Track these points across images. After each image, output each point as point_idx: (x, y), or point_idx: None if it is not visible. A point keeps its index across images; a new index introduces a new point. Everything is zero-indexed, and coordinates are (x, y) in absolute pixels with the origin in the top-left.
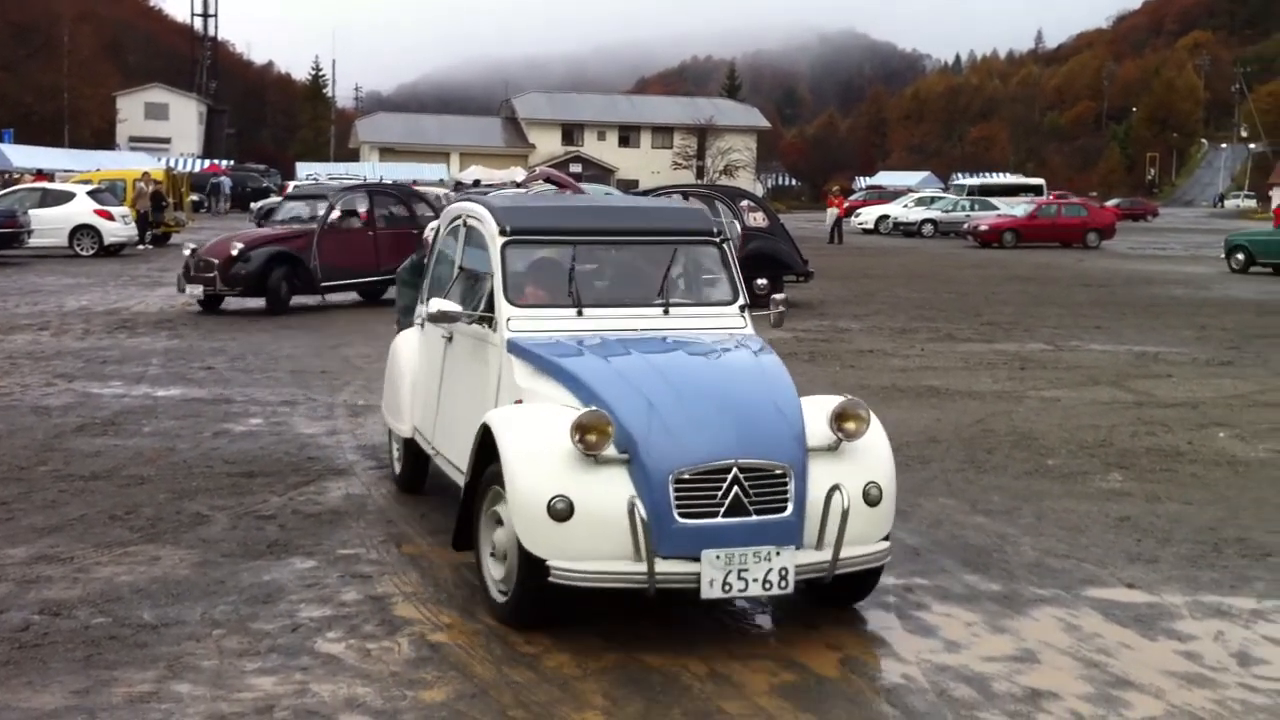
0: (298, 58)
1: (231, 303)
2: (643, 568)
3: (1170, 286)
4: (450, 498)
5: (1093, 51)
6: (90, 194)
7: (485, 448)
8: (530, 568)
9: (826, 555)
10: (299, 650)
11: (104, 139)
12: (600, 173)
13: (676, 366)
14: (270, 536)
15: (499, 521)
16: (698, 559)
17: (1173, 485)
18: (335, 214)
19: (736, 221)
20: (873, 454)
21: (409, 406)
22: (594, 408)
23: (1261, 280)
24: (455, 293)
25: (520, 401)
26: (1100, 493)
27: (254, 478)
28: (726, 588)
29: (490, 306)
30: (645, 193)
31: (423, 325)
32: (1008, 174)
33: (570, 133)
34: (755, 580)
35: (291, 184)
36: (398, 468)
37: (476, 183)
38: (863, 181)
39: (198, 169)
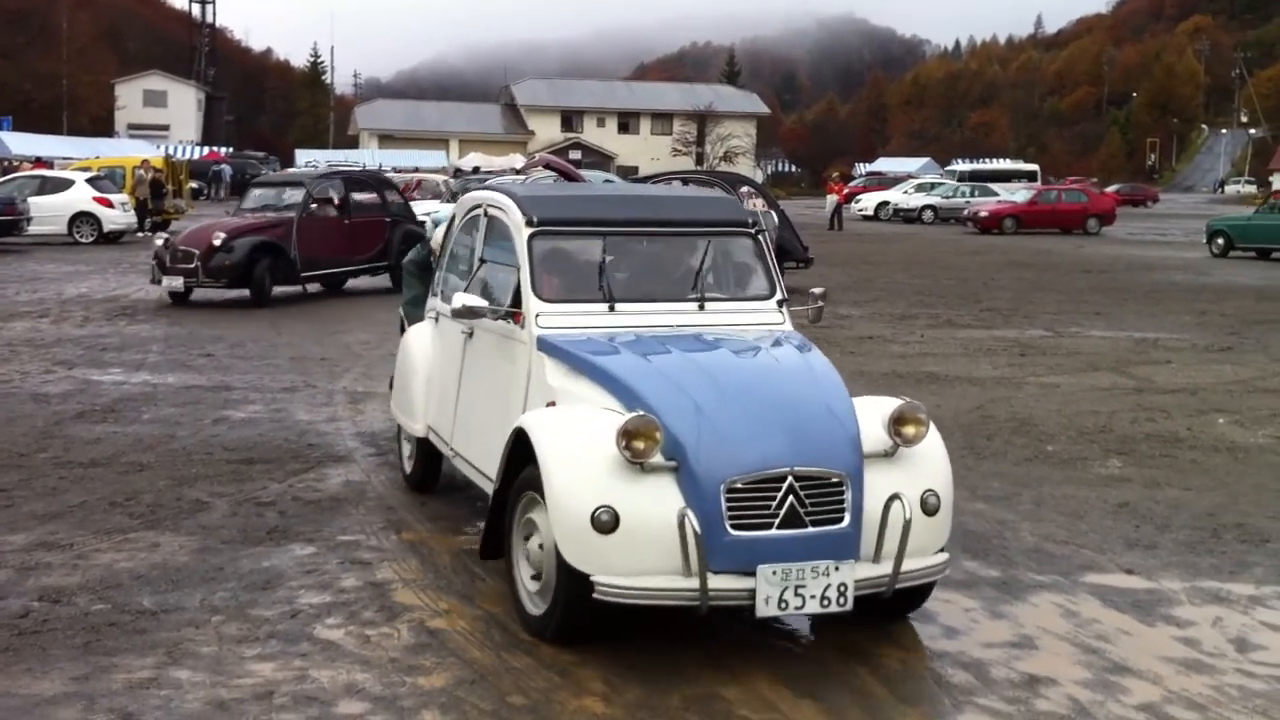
0: (296, 44)
1: (199, 294)
2: (694, 584)
3: (1170, 272)
4: (447, 485)
5: (1093, 37)
6: (89, 181)
7: (518, 452)
8: (572, 582)
9: (886, 569)
10: (298, 636)
11: (103, 126)
12: (600, 159)
13: (722, 366)
14: (270, 523)
15: (534, 530)
16: (751, 574)
17: (1172, 471)
18: (313, 202)
19: (773, 212)
20: (930, 460)
21: (423, 404)
22: (640, 412)
23: (1262, 266)
24: (476, 286)
25: (553, 403)
26: (1099, 479)
27: (254, 464)
28: (783, 605)
29: (516, 301)
30: (646, 179)
31: (436, 319)
32: (1007, 160)
33: (569, 119)
34: (813, 597)
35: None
36: (408, 467)
37: (476, 169)
38: (863, 168)
39: (197, 156)
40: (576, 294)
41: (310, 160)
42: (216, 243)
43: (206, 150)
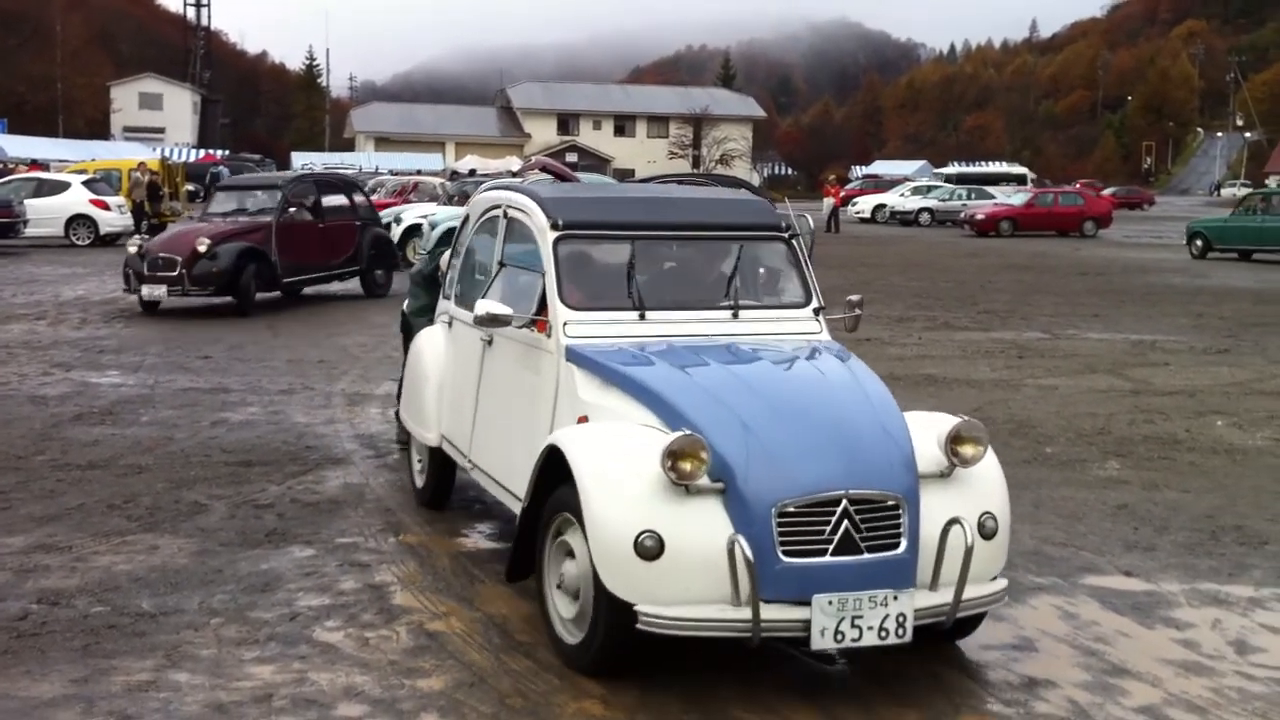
0: (291, 47)
1: (172, 302)
2: (745, 614)
3: (1167, 274)
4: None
5: (1087, 40)
6: (86, 184)
7: (549, 470)
8: (613, 611)
9: (946, 598)
10: (297, 639)
11: (98, 129)
12: (596, 162)
13: (766, 380)
14: (268, 525)
15: (569, 554)
16: (804, 603)
17: (1170, 473)
18: (289, 206)
19: (808, 215)
20: (987, 481)
21: (435, 412)
22: (686, 431)
23: (1259, 269)
24: (496, 292)
25: (585, 418)
26: (1098, 481)
27: (252, 467)
28: (839, 637)
29: (540, 309)
30: (643, 181)
31: (450, 323)
32: (1003, 163)
33: (565, 122)
34: (870, 629)
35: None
36: (419, 481)
37: (472, 172)
38: (859, 171)
39: (193, 159)
40: (605, 301)
41: (306, 163)
42: (201, 249)
43: (202, 153)
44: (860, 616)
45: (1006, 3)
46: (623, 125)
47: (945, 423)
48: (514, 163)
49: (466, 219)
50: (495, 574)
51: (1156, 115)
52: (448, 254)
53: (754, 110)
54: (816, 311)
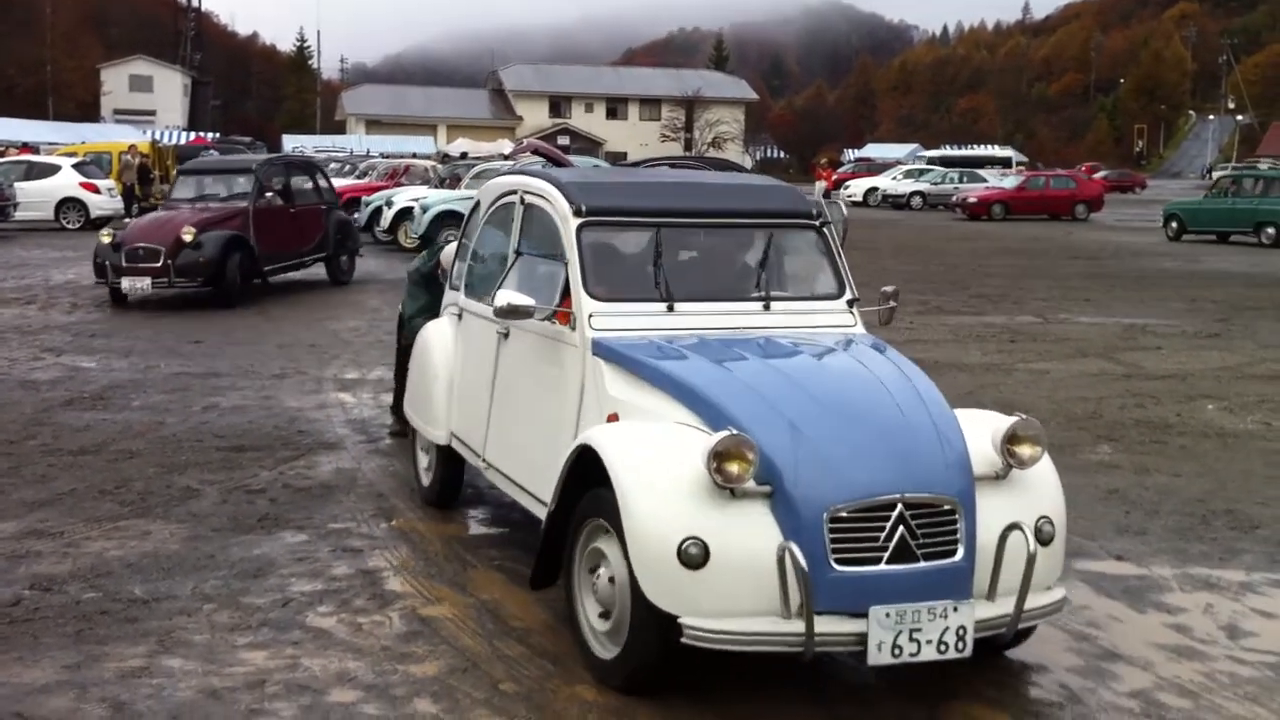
0: (282, 29)
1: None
2: (798, 627)
3: (1158, 258)
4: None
5: (1080, 22)
6: (76, 167)
7: (579, 471)
8: (655, 624)
9: (1006, 608)
10: (290, 624)
11: (88, 112)
12: (588, 145)
13: (810, 376)
14: (260, 511)
15: (602, 561)
16: (858, 615)
17: (1161, 457)
18: (264, 190)
19: (840, 202)
20: (1042, 483)
21: (445, 409)
22: (731, 430)
23: (1251, 252)
24: (512, 283)
25: (615, 416)
26: (1089, 465)
27: (244, 452)
28: (896, 651)
29: (562, 300)
30: (635, 164)
31: (460, 316)
32: (991, 146)
33: (557, 105)
34: (929, 642)
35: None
36: (426, 480)
37: (464, 155)
38: (851, 154)
39: (183, 141)
40: (630, 292)
41: (298, 145)
42: (187, 239)
43: (193, 135)
44: (919, 629)
45: None
46: (615, 108)
47: (999, 421)
48: (506, 145)
49: (476, 206)
50: (488, 559)
51: (1149, 98)
52: (448, 249)
53: (746, 93)
54: (850, 303)
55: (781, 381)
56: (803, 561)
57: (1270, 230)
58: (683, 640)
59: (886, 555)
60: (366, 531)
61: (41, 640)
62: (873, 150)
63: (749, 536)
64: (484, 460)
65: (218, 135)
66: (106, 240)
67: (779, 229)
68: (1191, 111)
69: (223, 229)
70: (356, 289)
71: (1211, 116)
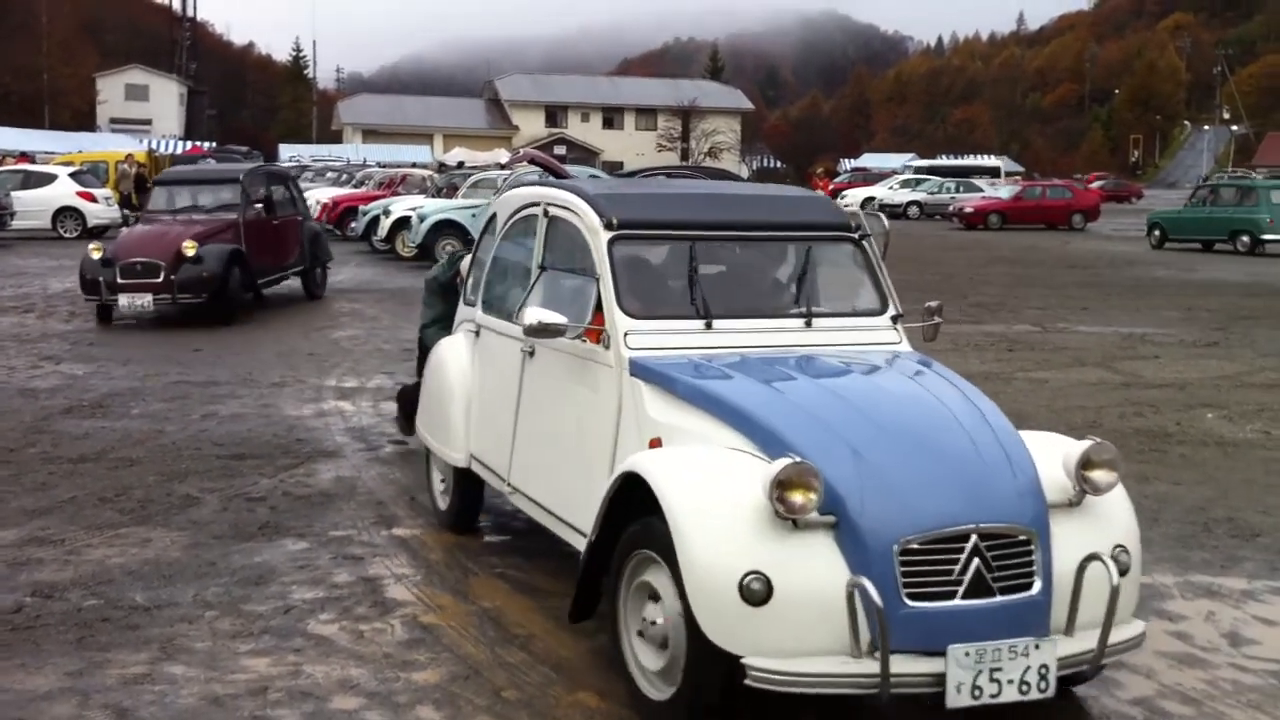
0: (278, 38)
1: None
2: (870, 667)
3: (1155, 268)
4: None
5: (1075, 33)
6: (72, 176)
7: (621, 498)
8: (712, 664)
9: (1089, 644)
10: (292, 632)
11: (84, 120)
12: (584, 155)
13: (865, 397)
14: (261, 518)
15: (652, 597)
16: (934, 654)
17: (1161, 466)
18: (252, 202)
19: (881, 215)
20: (1116, 509)
21: (463, 430)
22: (794, 458)
23: (1243, 261)
24: (536, 299)
25: (658, 441)
26: None
27: (244, 460)
28: (976, 693)
29: (593, 317)
30: (631, 174)
31: (478, 333)
32: (981, 156)
33: (554, 114)
34: (1011, 682)
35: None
36: (442, 503)
37: (461, 164)
38: (847, 164)
39: (179, 151)
40: (666, 309)
41: (294, 155)
42: (190, 252)
43: (189, 145)
44: (999, 669)
45: None
46: (611, 117)
47: (1070, 445)
48: (502, 155)
49: (492, 218)
50: (489, 566)
51: (1144, 108)
52: (468, 259)
53: (742, 103)
54: (895, 319)
55: (837, 403)
56: (876, 598)
57: (1245, 238)
58: (746, 682)
59: (961, 589)
60: (367, 539)
61: (43, 647)
62: (869, 160)
63: (814, 570)
64: (509, 484)
65: (214, 144)
66: (95, 255)
67: (817, 241)
68: (1186, 122)
69: (218, 241)
70: (354, 298)
71: (1206, 127)
